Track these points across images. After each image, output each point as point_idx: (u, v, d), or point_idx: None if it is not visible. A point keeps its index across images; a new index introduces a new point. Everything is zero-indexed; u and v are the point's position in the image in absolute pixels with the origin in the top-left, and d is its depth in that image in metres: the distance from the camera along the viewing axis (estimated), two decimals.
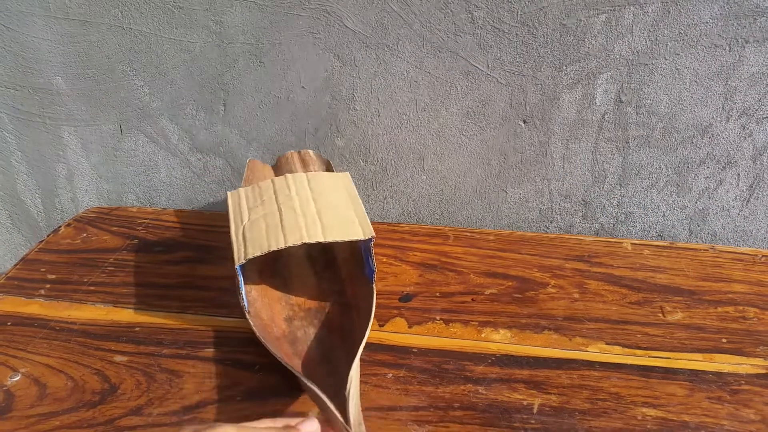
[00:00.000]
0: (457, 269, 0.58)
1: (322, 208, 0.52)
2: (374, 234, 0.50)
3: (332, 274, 0.56)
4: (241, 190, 0.56)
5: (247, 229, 0.51)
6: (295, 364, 0.45)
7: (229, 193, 0.56)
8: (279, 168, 0.64)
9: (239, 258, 0.48)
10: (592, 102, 0.60)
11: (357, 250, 0.56)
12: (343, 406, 0.37)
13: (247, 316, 0.47)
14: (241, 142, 0.69)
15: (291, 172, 0.61)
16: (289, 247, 0.48)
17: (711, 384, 0.45)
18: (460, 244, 0.63)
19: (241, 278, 0.49)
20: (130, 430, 0.41)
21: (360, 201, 0.55)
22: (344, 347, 0.47)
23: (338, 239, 0.49)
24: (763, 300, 0.54)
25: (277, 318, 0.51)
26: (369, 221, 0.51)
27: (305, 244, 0.48)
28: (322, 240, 0.48)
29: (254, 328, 0.46)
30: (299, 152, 0.65)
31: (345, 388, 0.38)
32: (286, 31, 0.61)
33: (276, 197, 0.54)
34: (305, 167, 0.64)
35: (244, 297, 0.49)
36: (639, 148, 0.62)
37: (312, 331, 0.50)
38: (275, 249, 0.47)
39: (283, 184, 0.56)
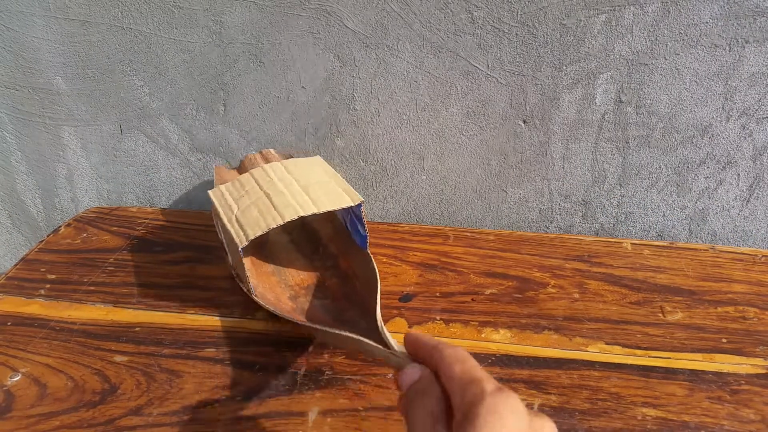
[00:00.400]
0: (457, 269, 0.58)
1: (307, 185, 0.54)
2: (362, 199, 0.52)
3: (321, 254, 0.58)
4: (222, 186, 0.57)
5: (240, 216, 0.51)
6: (310, 330, 0.47)
7: (210, 192, 0.56)
8: (243, 170, 0.65)
9: (241, 241, 0.48)
10: (592, 102, 0.60)
11: (340, 227, 0.58)
12: (380, 338, 0.37)
13: (255, 297, 0.48)
14: (241, 142, 0.69)
15: None
16: (279, 230, 0.49)
17: (711, 384, 0.45)
18: (460, 244, 0.63)
19: (244, 262, 0.50)
20: (130, 430, 0.41)
21: (339, 176, 0.56)
22: (354, 309, 0.49)
23: (330, 208, 0.50)
24: (763, 300, 0.54)
25: (282, 297, 0.52)
26: (353, 190, 0.53)
27: (291, 227, 0.49)
28: (316, 211, 0.49)
29: (266, 305, 0.47)
30: (261, 152, 0.66)
31: (375, 331, 0.40)
32: (286, 31, 0.61)
33: (259, 185, 0.55)
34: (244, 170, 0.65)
35: (249, 281, 0.50)
36: (639, 148, 0.62)
37: (318, 303, 0.51)
38: (274, 226, 0.48)
39: (263, 173, 0.56)
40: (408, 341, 0.32)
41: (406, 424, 0.28)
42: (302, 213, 0.49)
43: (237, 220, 0.51)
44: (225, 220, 0.51)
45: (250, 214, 0.51)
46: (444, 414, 0.26)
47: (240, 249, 0.48)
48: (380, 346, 0.36)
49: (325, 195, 0.52)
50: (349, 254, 0.56)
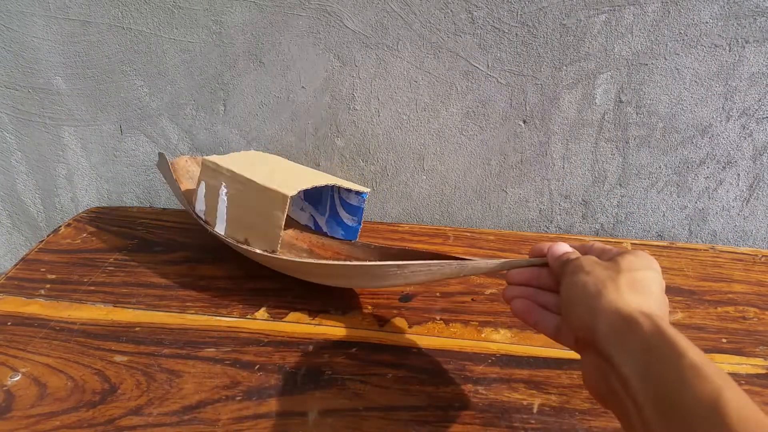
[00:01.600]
0: None
1: (289, 168, 0.59)
2: (369, 190, 0.58)
3: (290, 249, 0.60)
4: (212, 157, 0.56)
5: (266, 179, 0.52)
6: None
7: (210, 157, 0.55)
8: (176, 171, 0.63)
9: (290, 190, 0.49)
10: (592, 102, 0.60)
11: (305, 229, 0.62)
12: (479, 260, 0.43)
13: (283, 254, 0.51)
14: (241, 142, 0.69)
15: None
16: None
17: None
18: (460, 244, 0.63)
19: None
20: (130, 430, 0.41)
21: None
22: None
23: (350, 186, 0.56)
24: (763, 300, 0.54)
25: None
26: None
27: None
28: (339, 183, 0.55)
29: (335, 261, 0.54)
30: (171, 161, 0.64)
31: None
32: (286, 31, 0.61)
33: (255, 166, 0.56)
34: (175, 172, 0.63)
35: (280, 237, 0.51)
36: (639, 148, 0.62)
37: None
38: (318, 185, 0.53)
39: (240, 164, 0.56)
40: (550, 248, 0.41)
41: (564, 296, 0.36)
42: (332, 182, 0.54)
43: (268, 179, 0.51)
44: (248, 175, 0.51)
45: (275, 179, 0.52)
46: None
47: (290, 196, 0.49)
48: (501, 260, 0.42)
49: (321, 174, 0.58)
50: (336, 247, 0.59)
